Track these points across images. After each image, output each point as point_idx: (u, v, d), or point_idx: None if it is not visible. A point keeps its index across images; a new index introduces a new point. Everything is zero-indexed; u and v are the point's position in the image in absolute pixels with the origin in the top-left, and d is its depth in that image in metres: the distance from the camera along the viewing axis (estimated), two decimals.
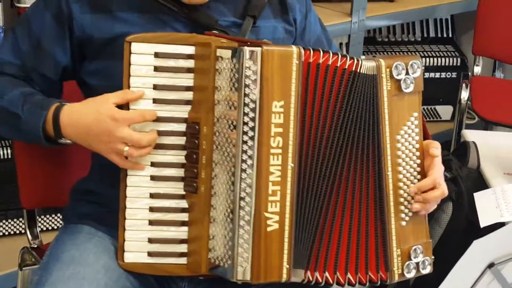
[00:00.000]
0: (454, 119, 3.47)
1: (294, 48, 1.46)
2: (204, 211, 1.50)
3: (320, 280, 1.51)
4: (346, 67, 1.50)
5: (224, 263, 1.47)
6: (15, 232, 2.65)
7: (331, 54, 1.49)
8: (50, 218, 2.65)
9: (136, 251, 1.54)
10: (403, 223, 1.55)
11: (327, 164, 1.50)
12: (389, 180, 1.53)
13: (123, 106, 1.51)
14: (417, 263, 1.55)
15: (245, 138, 1.43)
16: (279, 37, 1.69)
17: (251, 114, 1.43)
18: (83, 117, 1.51)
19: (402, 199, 1.55)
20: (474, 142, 2.61)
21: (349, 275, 1.52)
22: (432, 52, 3.65)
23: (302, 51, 1.46)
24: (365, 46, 3.45)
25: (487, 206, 2.10)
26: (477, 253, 1.43)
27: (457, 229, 2.46)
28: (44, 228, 2.65)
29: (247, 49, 1.42)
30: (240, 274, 1.45)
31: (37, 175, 1.90)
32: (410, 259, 1.54)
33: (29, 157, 1.87)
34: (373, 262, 1.53)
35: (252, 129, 1.43)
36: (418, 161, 1.56)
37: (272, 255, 1.46)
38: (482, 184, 2.43)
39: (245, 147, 1.43)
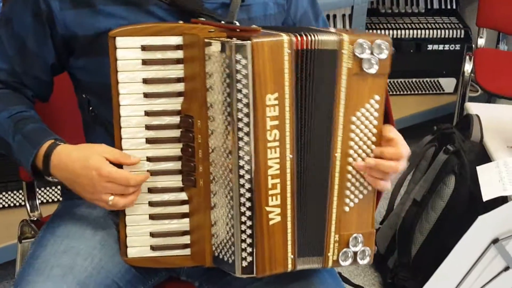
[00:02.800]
0: (457, 91, 3.45)
1: (284, 37, 1.40)
2: (204, 203, 1.49)
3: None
4: (302, 45, 1.42)
5: (228, 257, 1.46)
6: (14, 205, 2.64)
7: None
8: (50, 191, 2.64)
9: (139, 246, 1.52)
10: (346, 208, 1.49)
11: (317, 147, 1.47)
12: (336, 163, 1.46)
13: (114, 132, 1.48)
14: (355, 252, 1.50)
15: (241, 134, 1.40)
16: (270, 13, 1.64)
17: (245, 110, 1.39)
18: (72, 163, 1.47)
19: (349, 184, 1.48)
20: (477, 115, 2.60)
21: None
22: (436, 24, 3.62)
23: (294, 39, 1.41)
24: (368, 18, 3.42)
25: (489, 180, 2.08)
26: (482, 228, 1.41)
27: (460, 203, 2.45)
28: (44, 201, 2.64)
29: (236, 44, 1.37)
30: (245, 270, 1.44)
31: None
32: (348, 247, 1.49)
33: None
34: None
35: (247, 124, 1.39)
36: (373, 146, 1.49)
37: (276, 248, 1.45)
38: (485, 157, 2.42)
39: (241, 143, 1.40)
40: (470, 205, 2.43)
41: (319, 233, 1.49)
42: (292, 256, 1.46)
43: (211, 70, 1.42)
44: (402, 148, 1.49)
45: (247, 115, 1.39)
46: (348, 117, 1.46)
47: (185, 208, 1.51)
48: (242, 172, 1.41)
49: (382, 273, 2.77)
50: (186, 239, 1.52)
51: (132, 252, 1.53)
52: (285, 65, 1.41)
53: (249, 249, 1.43)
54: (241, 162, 1.41)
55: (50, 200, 2.65)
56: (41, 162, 1.49)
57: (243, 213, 1.42)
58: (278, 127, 1.41)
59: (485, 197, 2.02)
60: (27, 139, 1.52)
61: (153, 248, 1.52)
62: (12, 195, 2.63)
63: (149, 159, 1.49)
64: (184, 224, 1.52)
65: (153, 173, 1.49)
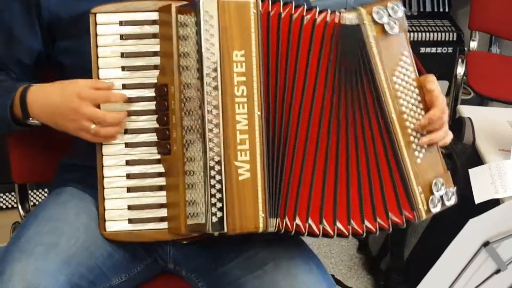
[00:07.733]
0: (450, 94, 3.46)
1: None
2: (179, 169, 1.51)
3: (290, 228, 1.48)
4: (328, 20, 1.51)
5: (201, 217, 1.46)
6: (7, 206, 2.64)
7: (301, 8, 1.50)
8: (43, 193, 2.64)
9: (117, 219, 1.56)
10: (418, 160, 1.53)
11: (298, 112, 1.49)
12: (395, 122, 1.51)
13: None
14: (441, 196, 1.53)
15: (209, 89, 1.44)
16: None
17: (213, 64, 1.44)
18: (50, 95, 1.52)
19: (412, 138, 1.53)
20: (469, 118, 2.60)
21: (338, 225, 1.49)
22: (429, 27, 3.63)
23: (259, 2, 1.48)
24: None
25: (482, 183, 2.09)
26: (472, 231, 1.42)
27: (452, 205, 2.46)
28: (36, 203, 2.64)
29: (203, 1, 1.45)
30: (215, 225, 1.44)
31: (28, 149, 1.89)
32: (433, 193, 1.52)
33: (19, 132, 1.85)
34: (393, 203, 1.50)
35: (215, 79, 1.44)
36: (419, 97, 1.55)
37: (246, 205, 1.45)
38: (477, 160, 2.42)
39: (209, 98, 1.44)
40: (462, 207, 2.43)
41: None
42: (263, 215, 1.45)
43: (183, 33, 1.49)
44: (441, 103, 1.55)
45: (215, 69, 1.44)
46: (389, 79, 1.52)
47: (162, 181, 1.55)
48: (210, 126, 1.44)
49: (375, 276, 2.77)
50: (163, 212, 1.55)
51: (110, 226, 1.56)
52: (251, 25, 1.47)
53: (219, 204, 1.43)
54: (209, 116, 1.44)
55: None
56: (18, 105, 1.54)
57: (212, 167, 1.44)
58: (246, 83, 1.46)
59: (477, 200, 2.03)
60: (4, 90, 1.57)
61: (130, 221, 1.55)
62: (4, 197, 2.63)
63: (126, 131, 1.54)
64: (161, 196, 1.55)
65: (131, 145, 1.55)
